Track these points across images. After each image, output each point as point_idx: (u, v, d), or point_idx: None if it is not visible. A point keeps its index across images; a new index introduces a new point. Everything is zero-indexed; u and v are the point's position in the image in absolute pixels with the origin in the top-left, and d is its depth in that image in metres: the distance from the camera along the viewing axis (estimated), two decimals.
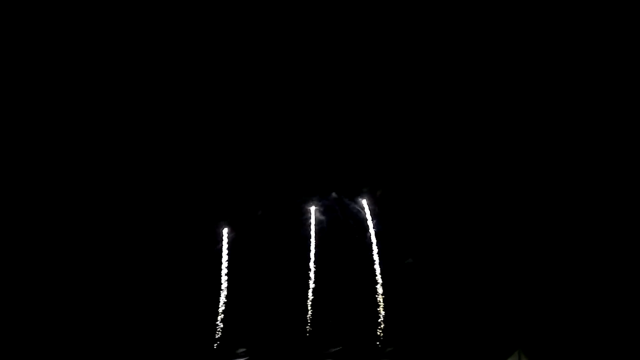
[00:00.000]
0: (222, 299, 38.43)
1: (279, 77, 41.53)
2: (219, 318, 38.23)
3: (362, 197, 39.64)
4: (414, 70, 41.45)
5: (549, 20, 41.17)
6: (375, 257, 38.88)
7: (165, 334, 37.91)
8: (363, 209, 39.60)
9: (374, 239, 39.30)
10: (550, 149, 40.03)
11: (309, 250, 39.13)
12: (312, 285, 38.72)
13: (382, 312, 37.78)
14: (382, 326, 37.50)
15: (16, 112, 40.57)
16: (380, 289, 38.27)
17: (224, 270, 38.87)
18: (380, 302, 37.96)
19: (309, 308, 38.33)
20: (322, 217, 39.70)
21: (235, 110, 41.51)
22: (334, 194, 39.76)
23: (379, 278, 38.48)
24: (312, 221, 39.61)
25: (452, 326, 36.83)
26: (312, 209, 39.70)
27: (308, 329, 37.83)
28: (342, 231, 39.68)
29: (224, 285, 38.67)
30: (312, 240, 39.30)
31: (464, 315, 37.11)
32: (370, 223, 39.40)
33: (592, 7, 40.57)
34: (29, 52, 40.89)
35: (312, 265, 39.01)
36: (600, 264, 37.28)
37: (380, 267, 38.74)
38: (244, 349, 37.41)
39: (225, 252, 39.18)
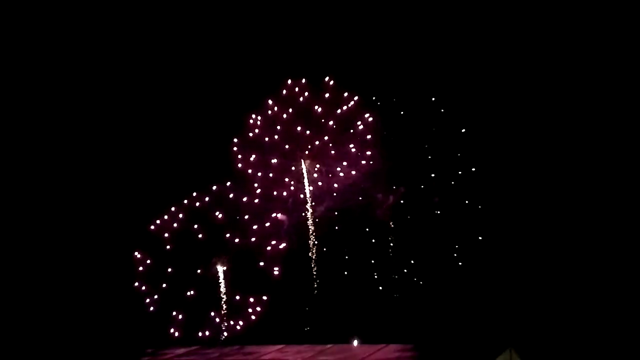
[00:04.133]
0: None
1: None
2: None
3: None
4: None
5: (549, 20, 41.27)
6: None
7: None
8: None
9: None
10: (548, 149, 40.04)
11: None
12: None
13: (374, 310, 38.11)
14: (374, 323, 37.77)
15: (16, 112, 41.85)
16: (372, 287, 38.63)
17: None
18: (372, 299, 38.33)
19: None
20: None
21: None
22: None
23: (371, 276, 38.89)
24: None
25: (442, 323, 36.88)
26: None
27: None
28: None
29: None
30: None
31: (454, 312, 37.17)
32: None
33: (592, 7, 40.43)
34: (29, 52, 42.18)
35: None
36: (593, 262, 37.08)
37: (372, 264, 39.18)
38: None
39: None
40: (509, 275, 37.72)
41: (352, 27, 41.78)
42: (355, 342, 35.20)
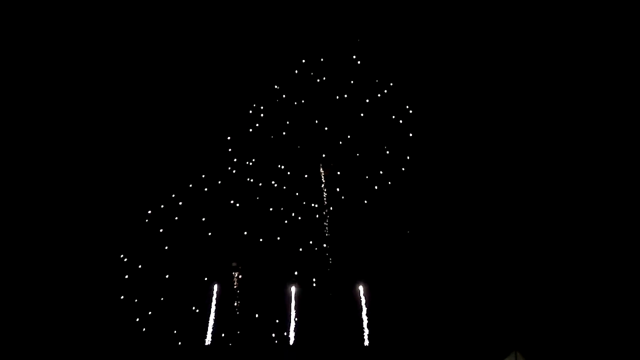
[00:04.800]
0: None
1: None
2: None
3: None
4: None
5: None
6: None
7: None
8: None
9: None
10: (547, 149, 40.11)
11: None
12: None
13: (377, 312, 37.87)
14: (376, 325, 37.59)
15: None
16: (373, 289, 38.38)
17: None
18: (374, 301, 38.07)
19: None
20: None
21: None
22: None
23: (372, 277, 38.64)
24: None
25: (448, 326, 36.80)
26: None
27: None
28: None
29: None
30: None
31: (459, 315, 37.10)
32: None
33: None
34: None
35: None
36: (597, 264, 37.23)
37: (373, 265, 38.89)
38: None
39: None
40: (514, 277, 37.67)
41: None
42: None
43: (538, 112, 40.43)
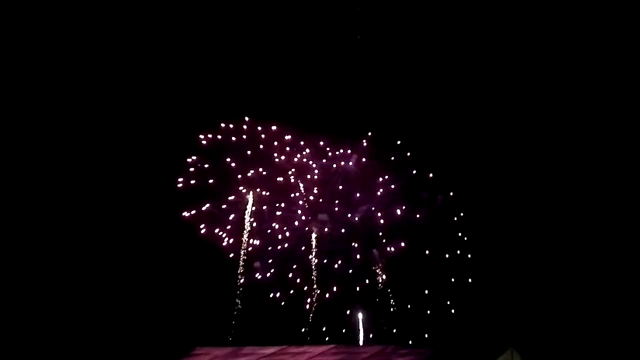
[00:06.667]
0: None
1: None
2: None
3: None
4: None
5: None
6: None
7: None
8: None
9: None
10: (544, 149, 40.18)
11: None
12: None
13: (374, 310, 38.13)
14: (373, 323, 37.83)
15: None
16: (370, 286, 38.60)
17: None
18: (371, 299, 38.33)
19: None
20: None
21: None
22: None
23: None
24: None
25: (444, 323, 36.99)
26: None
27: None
28: None
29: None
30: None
31: (455, 312, 37.28)
32: None
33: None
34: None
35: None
36: (593, 262, 37.35)
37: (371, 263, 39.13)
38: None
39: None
40: (510, 276, 37.82)
41: None
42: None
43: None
